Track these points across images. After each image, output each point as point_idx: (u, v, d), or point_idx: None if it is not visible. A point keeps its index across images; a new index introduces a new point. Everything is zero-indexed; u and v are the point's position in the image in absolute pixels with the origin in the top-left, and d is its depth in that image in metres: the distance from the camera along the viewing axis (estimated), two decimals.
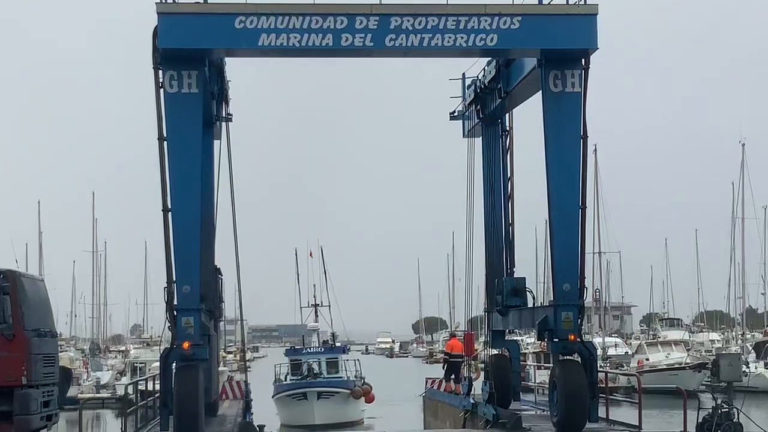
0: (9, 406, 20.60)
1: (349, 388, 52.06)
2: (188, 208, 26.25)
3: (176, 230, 26.17)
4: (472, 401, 32.90)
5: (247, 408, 28.31)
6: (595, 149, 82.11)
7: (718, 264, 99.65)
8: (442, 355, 47.97)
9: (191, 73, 26.22)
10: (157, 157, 26.23)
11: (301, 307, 64.54)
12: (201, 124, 27.26)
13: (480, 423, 30.98)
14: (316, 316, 62.59)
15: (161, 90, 26.14)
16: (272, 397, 53.07)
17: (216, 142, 31.90)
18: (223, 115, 31.96)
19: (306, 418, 49.70)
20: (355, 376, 54.84)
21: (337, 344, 59.86)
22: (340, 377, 53.36)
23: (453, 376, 41.76)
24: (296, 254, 69.79)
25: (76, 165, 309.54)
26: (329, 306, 63.93)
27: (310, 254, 69.23)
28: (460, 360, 42.81)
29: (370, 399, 53.84)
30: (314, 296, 63.82)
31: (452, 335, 52.26)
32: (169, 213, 26.14)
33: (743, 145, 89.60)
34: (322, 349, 55.62)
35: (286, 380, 54.26)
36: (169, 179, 26.08)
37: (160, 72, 26.08)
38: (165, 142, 26.12)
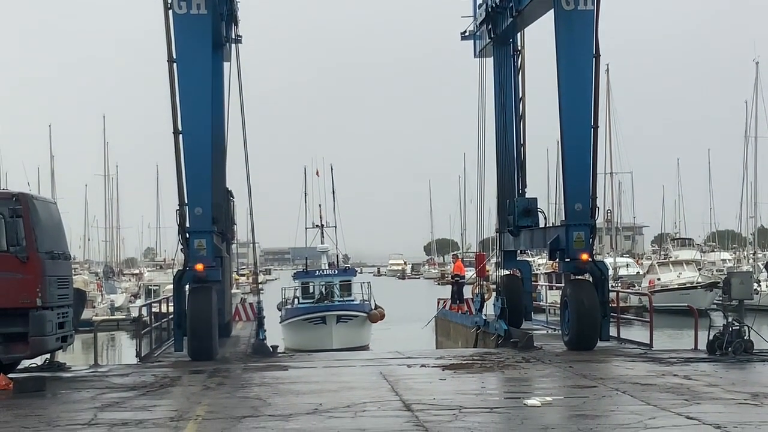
0: (24, 327, 20.72)
1: (366, 312, 50.62)
2: (199, 130, 26.24)
3: (187, 152, 26.20)
4: (484, 318, 33.09)
5: (260, 325, 28.49)
6: (607, 68, 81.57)
7: (731, 183, 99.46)
8: (452, 278, 47.62)
9: None
10: (167, 79, 26.18)
11: (306, 228, 62.28)
12: (210, 46, 27.10)
13: (491, 339, 31.19)
14: (322, 237, 60.52)
15: (170, 11, 25.96)
16: (281, 322, 51.07)
17: (226, 65, 31.71)
18: (233, 37, 31.72)
19: (323, 342, 46.79)
20: (366, 299, 52.73)
21: (346, 266, 58.67)
22: (353, 300, 52.01)
23: (457, 297, 42.14)
24: (305, 172, 66.98)
25: (87, 88, 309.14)
26: (335, 227, 61.79)
27: (317, 173, 66.42)
28: (462, 281, 43.21)
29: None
30: (320, 216, 61.40)
31: (455, 257, 51.77)
32: (180, 135, 26.15)
33: (757, 63, 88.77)
34: (335, 272, 53.78)
35: (295, 304, 52.17)
36: (180, 101, 26.05)
37: None
38: (174, 64, 26.03)
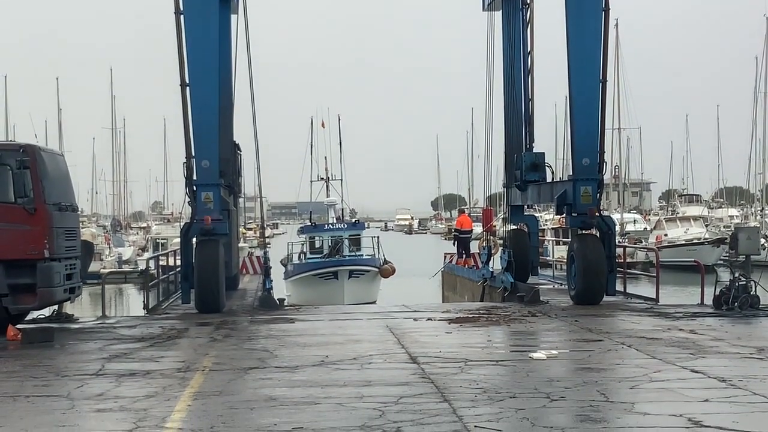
0: (32, 278, 20.77)
1: (378, 266, 49.14)
2: (206, 83, 26.16)
3: (194, 105, 26.14)
4: (491, 270, 33.14)
5: (266, 275, 28.56)
6: (617, 23, 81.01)
7: (739, 139, 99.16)
8: (454, 232, 47.31)
9: None
10: (175, 32, 26.09)
11: (311, 181, 60.45)
12: None
13: (497, 293, 31.27)
14: (327, 190, 58.93)
15: None
16: (287, 278, 49.52)
17: (233, 17, 31.55)
18: None
19: (334, 298, 44.74)
20: (374, 255, 50.79)
21: (355, 220, 57.48)
22: (363, 254, 50.40)
23: (464, 252, 42.13)
24: (311, 123, 65.12)
25: (94, 41, 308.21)
26: (341, 180, 60.20)
27: (322, 124, 64.31)
28: (469, 236, 43.21)
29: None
30: (326, 169, 59.61)
31: (461, 212, 51.31)
32: (188, 88, 26.08)
33: None
34: (344, 225, 52.23)
35: (302, 260, 50.30)
36: (187, 54, 25.96)
37: None
38: (181, 16, 25.93)
